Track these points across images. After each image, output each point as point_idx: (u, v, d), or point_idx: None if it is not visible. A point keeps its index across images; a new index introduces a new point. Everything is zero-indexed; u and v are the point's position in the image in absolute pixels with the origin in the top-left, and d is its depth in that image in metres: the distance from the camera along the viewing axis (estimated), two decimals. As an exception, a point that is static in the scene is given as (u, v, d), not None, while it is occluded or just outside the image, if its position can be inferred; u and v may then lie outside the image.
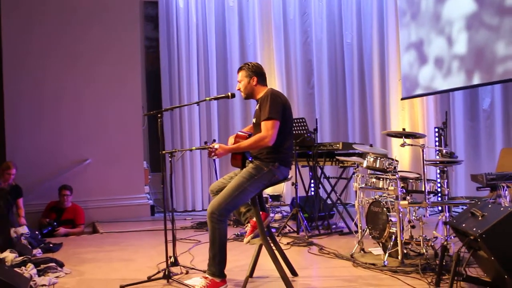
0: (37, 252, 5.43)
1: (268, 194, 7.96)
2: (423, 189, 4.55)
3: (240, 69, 4.24)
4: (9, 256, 4.60)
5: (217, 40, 9.23)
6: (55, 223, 7.09)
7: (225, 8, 9.24)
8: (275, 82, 9.12)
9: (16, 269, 4.25)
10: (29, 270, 4.33)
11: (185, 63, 9.04)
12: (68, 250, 5.90)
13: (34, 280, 4.22)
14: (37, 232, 6.11)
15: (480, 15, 6.84)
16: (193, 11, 9.10)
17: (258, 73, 4.18)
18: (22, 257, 4.68)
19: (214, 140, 4.08)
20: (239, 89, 4.22)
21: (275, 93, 4.07)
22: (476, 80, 7.02)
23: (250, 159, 4.13)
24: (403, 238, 4.52)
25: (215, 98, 4.53)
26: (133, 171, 8.33)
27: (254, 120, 4.17)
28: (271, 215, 7.30)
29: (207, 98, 4.47)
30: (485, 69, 6.84)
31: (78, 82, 8.08)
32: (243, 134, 4.23)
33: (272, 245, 4.12)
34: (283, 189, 8.38)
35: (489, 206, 3.71)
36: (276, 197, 8.35)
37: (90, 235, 7.17)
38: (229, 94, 4.29)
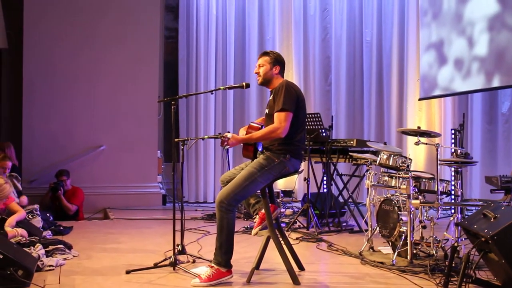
0: (47, 234, 5.49)
1: (280, 190, 7.93)
2: (436, 189, 4.49)
3: (264, 53, 4.21)
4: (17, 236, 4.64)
5: (236, 33, 9.22)
6: (61, 183, 7.09)
7: (245, 1, 9.23)
8: (292, 77, 9.08)
9: (24, 248, 4.28)
10: (37, 250, 4.36)
11: (203, 54, 9.06)
12: (77, 234, 5.95)
13: (41, 260, 4.25)
14: (48, 214, 6.14)
15: (503, 16, 6.72)
16: (213, 3, 9.11)
17: (281, 63, 4.18)
18: (31, 237, 4.71)
19: (229, 132, 4.07)
20: (257, 73, 4.17)
21: (290, 85, 4.05)
22: (495, 83, 6.90)
23: (260, 150, 4.11)
24: (413, 238, 4.46)
25: (230, 88, 4.54)
26: (146, 159, 8.36)
27: (267, 111, 4.14)
28: (282, 210, 7.27)
29: (221, 87, 4.46)
30: (505, 72, 6.72)
31: (95, 68, 8.13)
32: (256, 125, 4.22)
33: (280, 238, 4.11)
34: (295, 185, 8.33)
35: (502, 208, 3.65)
36: (288, 193, 8.30)
37: (100, 221, 7.22)
38: (244, 84, 4.28)
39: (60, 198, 7.01)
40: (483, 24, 7.04)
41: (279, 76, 4.17)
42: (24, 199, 5.88)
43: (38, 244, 4.52)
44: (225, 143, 3.95)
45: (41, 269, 4.18)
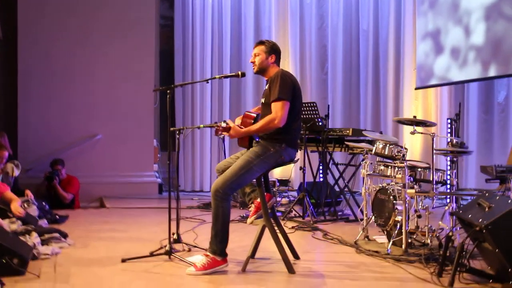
0: (43, 222, 5.46)
1: (276, 179, 7.93)
2: (431, 179, 4.50)
3: (260, 43, 4.19)
4: (12, 225, 4.63)
5: (232, 22, 9.17)
6: (56, 172, 7.08)
7: (241, -11, 9.18)
8: (288, 66, 9.06)
9: (20, 237, 4.28)
10: (33, 238, 4.36)
11: (199, 43, 9.02)
12: (73, 222, 5.96)
13: (37, 249, 4.25)
14: (44, 203, 6.12)
15: (500, 5, 6.71)
16: (209, -9, 9.06)
17: (277, 52, 4.16)
18: (25, 226, 4.71)
19: (225, 121, 4.06)
20: (252, 62, 4.16)
21: (285, 74, 4.04)
22: (492, 72, 6.91)
23: (257, 139, 4.10)
24: (408, 227, 4.48)
25: (225, 76, 4.52)
26: (142, 148, 8.34)
27: (262, 100, 4.14)
28: (278, 199, 7.27)
29: (217, 76, 4.44)
30: (501, 61, 6.72)
31: (90, 57, 8.09)
32: (251, 114, 4.20)
33: (275, 227, 4.11)
34: (292, 174, 8.32)
35: (497, 198, 3.66)
36: (284, 182, 8.32)
37: (96, 209, 7.21)
38: (239, 72, 4.26)
39: (56, 187, 6.99)
40: (480, 13, 7.03)
41: (275, 65, 4.15)
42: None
43: (33, 232, 4.52)
44: (219, 133, 3.96)
45: (36, 258, 4.18)
